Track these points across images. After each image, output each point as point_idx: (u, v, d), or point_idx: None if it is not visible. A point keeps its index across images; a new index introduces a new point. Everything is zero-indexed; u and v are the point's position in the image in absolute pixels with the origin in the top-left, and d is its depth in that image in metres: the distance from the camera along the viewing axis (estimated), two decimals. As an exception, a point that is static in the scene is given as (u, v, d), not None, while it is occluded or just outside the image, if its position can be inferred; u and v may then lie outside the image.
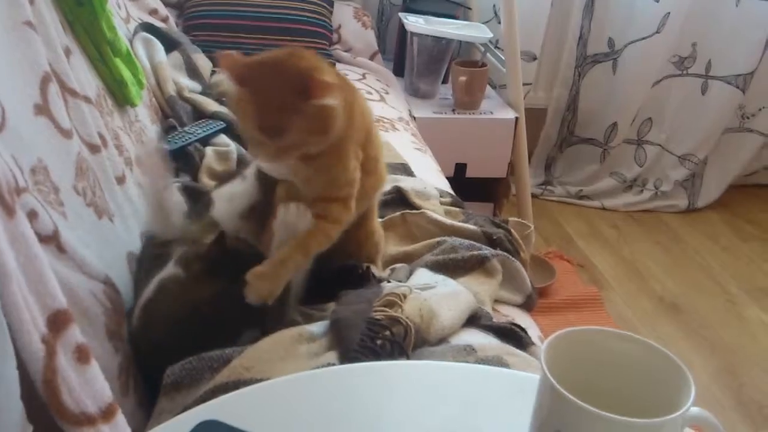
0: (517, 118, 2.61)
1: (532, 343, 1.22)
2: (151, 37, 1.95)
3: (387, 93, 2.47)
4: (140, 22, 2.01)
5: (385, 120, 2.19)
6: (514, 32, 2.53)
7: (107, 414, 0.75)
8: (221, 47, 2.36)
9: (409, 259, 1.43)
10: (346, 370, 0.90)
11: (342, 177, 1.12)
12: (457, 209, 1.66)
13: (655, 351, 0.66)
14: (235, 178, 1.26)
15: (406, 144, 2.09)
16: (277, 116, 0.99)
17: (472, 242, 1.43)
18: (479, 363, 1.04)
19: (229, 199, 1.24)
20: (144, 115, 1.63)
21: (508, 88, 2.68)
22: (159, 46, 1.95)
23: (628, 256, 2.85)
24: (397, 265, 1.36)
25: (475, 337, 1.18)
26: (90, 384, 0.75)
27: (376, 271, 1.33)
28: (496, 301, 1.41)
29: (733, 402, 2.13)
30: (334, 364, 0.98)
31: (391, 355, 1.02)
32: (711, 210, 3.21)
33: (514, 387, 0.85)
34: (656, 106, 3.14)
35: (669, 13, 2.88)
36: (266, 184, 1.19)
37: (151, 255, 1.21)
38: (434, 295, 1.20)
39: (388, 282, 1.26)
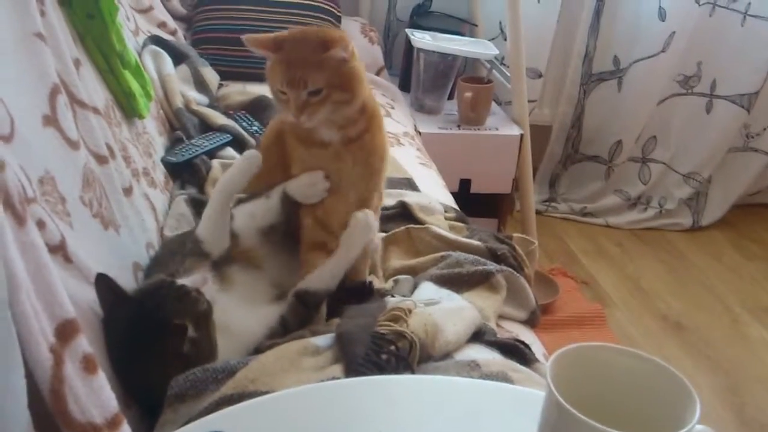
0: (522, 135, 2.61)
1: (536, 360, 1.22)
2: (160, 49, 1.97)
3: (393, 108, 2.48)
4: (149, 35, 2.03)
5: (391, 135, 2.20)
6: (519, 49, 2.54)
7: (113, 424, 0.76)
8: (228, 61, 2.38)
9: (413, 272, 1.43)
10: (351, 383, 0.90)
11: (380, 168, 1.26)
12: (462, 224, 1.66)
13: (660, 368, 0.66)
14: (259, 197, 1.27)
15: (411, 159, 2.10)
16: (301, 69, 1.11)
17: (477, 257, 1.44)
18: (483, 378, 1.04)
19: (251, 216, 1.25)
20: (152, 127, 1.64)
21: (513, 105, 2.69)
22: (167, 59, 1.96)
23: (632, 273, 2.85)
24: (401, 277, 1.35)
25: (479, 353, 1.17)
26: (96, 394, 0.75)
27: (378, 282, 1.34)
28: (500, 317, 1.41)
29: (736, 421, 2.12)
30: (338, 378, 0.98)
31: (395, 370, 1.02)
32: (715, 229, 3.21)
33: (517, 402, 0.85)
34: (661, 124, 3.14)
35: (674, 32, 2.89)
36: (289, 206, 1.24)
37: (159, 262, 1.22)
38: (439, 310, 1.20)
39: (392, 296, 1.26)
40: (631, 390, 0.68)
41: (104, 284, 1.00)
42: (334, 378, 0.97)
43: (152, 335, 1.00)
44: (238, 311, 1.14)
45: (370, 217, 1.22)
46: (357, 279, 1.29)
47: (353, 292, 1.26)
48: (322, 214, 1.24)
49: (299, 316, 1.16)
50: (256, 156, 1.23)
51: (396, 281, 1.33)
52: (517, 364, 1.14)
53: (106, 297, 1.01)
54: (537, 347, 1.35)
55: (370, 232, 1.23)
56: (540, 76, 3.05)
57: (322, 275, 1.19)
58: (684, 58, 2.99)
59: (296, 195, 1.23)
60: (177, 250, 1.25)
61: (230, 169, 1.24)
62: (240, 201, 1.37)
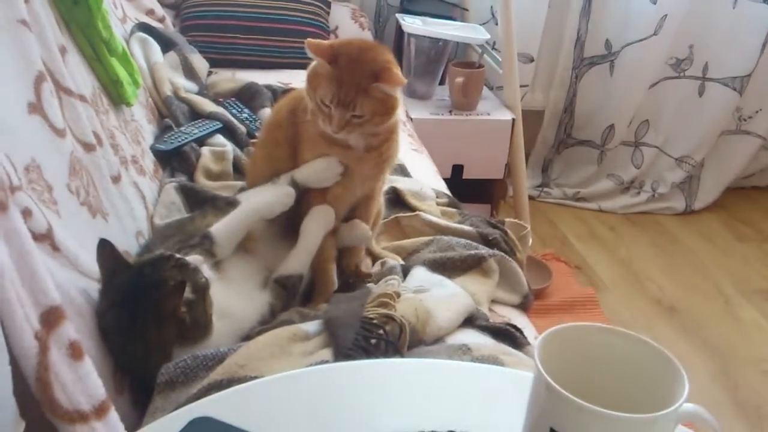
0: (514, 120, 2.60)
1: (528, 343, 1.22)
2: (148, 37, 1.95)
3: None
4: (137, 22, 2.01)
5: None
6: (511, 34, 2.53)
7: (100, 411, 0.75)
8: (218, 48, 2.36)
9: (401, 251, 1.43)
10: (340, 367, 0.90)
11: (387, 168, 1.34)
12: (454, 210, 1.66)
13: (649, 347, 0.66)
14: (265, 184, 1.31)
15: (403, 145, 2.07)
16: (353, 93, 1.15)
17: (468, 241, 1.44)
18: (474, 362, 1.04)
19: None
20: (140, 114, 1.63)
21: (505, 90, 2.68)
22: (155, 46, 1.95)
23: (624, 258, 2.85)
24: (388, 261, 1.35)
25: (470, 337, 1.18)
26: (83, 381, 0.75)
27: (366, 267, 1.36)
28: (493, 301, 1.41)
29: (730, 403, 2.13)
30: (328, 362, 0.98)
31: (384, 354, 1.02)
32: (708, 212, 3.21)
33: (508, 385, 0.85)
34: (653, 108, 3.14)
35: (666, 15, 2.88)
36: (297, 193, 1.27)
37: (151, 250, 1.22)
38: (431, 296, 1.20)
39: (375, 283, 1.27)
40: (619, 369, 0.67)
41: (106, 250, 1.03)
42: (323, 362, 0.97)
43: (150, 296, 1.01)
44: (233, 296, 1.16)
45: (327, 210, 1.27)
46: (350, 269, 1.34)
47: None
48: (333, 200, 1.28)
49: (282, 300, 1.21)
50: (293, 193, 1.27)
51: (383, 264, 1.33)
52: (509, 348, 1.15)
53: (107, 263, 1.03)
54: (529, 331, 1.35)
55: (328, 222, 1.28)
56: (532, 60, 3.05)
57: (293, 260, 1.24)
58: (676, 42, 2.98)
59: (309, 179, 1.27)
60: (170, 236, 1.25)
61: (268, 195, 1.27)
62: (242, 188, 1.38)
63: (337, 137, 1.20)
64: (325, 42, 1.20)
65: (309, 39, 1.18)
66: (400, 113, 1.31)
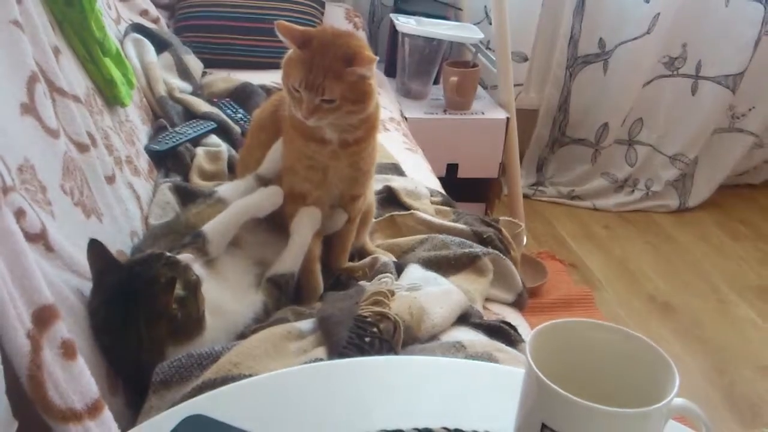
0: (508, 119, 2.61)
1: (522, 340, 1.22)
2: (142, 37, 1.95)
3: (378, 94, 2.46)
4: (131, 23, 2.01)
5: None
6: (504, 33, 2.53)
7: (94, 410, 0.75)
8: (212, 48, 2.36)
9: (396, 249, 1.43)
10: (334, 365, 0.90)
11: (369, 169, 1.33)
12: (448, 208, 1.66)
13: (639, 342, 0.67)
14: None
15: (398, 144, 2.09)
16: (321, 76, 1.13)
17: (462, 239, 1.44)
18: (468, 359, 1.04)
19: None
20: (135, 115, 1.63)
21: (499, 89, 2.68)
22: (150, 47, 1.94)
23: (619, 256, 2.86)
24: (381, 258, 1.35)
25: (464, 335, 1.18)
26: (76, 380, 0.75)
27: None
28: (488, 299, 1.41)
29: (725, 400, 2.13)
30: (322, 360, 0.98)
31: (378, 352, 1.02)
32: (702, 210, 3.22)
33: (502, 381, 0.85)
34: (647, 106, 3.14)
35: (659, 13, 2.88)
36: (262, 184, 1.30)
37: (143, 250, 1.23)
38: (425, 294, 1.20)
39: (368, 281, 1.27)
40: (610, 364, 0.68)
41: (96, 250, 1.03)
42: (317, 360, 0.97)
43: (141, 293, 1.01)
44: (227, 294, 1.16)
45: (315, 210, 1.29)
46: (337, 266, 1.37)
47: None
48: (312, 204, 1.29)
49: (274, 297, 1.21)
50: (281, 192, 1.29)
51: (375, 260, 1.33)
52: (503, 345, 1.15)
53: (97, 263, 1.03)
54: (524, 329, 1.35)
55: (315, 221, 1.29)
56: (526, 59, 3.05)
57: (285, 259, 1.25)
58: (669, 40, 2.99)
59: (269, 170, 1.35)
60: (161, 236, 1.26)
61: (257, 194, 1.29)
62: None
63: (309, 124, 1.18)
64: (298, 27, 1.18)
65: (280, 21, 1.16)
66: (381, 115, 1.32)
